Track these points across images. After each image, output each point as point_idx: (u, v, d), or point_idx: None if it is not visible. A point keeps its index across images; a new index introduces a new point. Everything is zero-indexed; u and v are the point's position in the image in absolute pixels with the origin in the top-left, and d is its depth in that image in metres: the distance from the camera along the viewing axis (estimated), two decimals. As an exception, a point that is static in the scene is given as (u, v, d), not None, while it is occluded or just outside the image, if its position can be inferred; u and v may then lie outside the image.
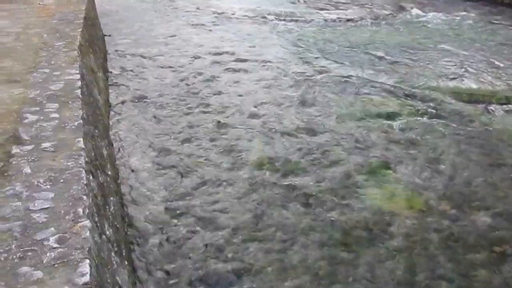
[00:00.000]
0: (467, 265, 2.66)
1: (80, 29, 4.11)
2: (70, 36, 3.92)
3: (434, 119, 4.62)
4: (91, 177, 2.04)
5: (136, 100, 4.86)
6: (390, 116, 4.65)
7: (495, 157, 3.93)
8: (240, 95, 5.04)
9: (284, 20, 8.55)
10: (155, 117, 4.48)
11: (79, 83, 2.85)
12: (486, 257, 2.72)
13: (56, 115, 2.41)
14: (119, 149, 3.84)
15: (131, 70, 5.69)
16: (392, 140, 4.14)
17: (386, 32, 8.07)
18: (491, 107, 4.99)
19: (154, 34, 7.32)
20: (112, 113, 4.52)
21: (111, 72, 5.60)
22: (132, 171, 3.50)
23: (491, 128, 4.47)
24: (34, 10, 4.84)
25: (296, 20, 8.58)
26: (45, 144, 2.12)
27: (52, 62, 3.24)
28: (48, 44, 3.68)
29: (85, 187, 1.81)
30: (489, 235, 2.92)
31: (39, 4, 5.11)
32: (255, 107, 4.75)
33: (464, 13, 9.69)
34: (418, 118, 4.63)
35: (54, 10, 4.90)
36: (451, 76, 5.93)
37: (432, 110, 4.80)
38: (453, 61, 6.52)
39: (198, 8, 9.25)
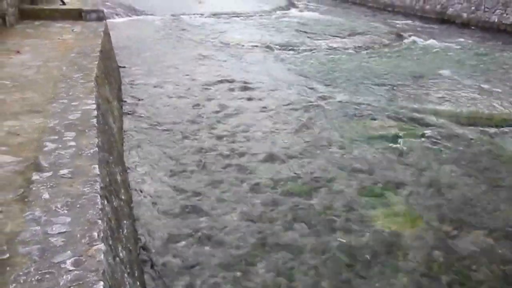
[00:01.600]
0: (471, 284, 2.63)
1: (97, 62, 4.32)
2: (87, 68, 4.12)
3: (434, 142, 4.68)
4: (105, 202, 2.12)
5: (148, 127, 5.01)
6: (392, 139, 4.73)
7: (494, 178, 3.96)
8: (247, 120, 5.17)
9: (287, 50, 8.83)
10: (169, 141, 4.61)
11: (95, 112, 2.98)
12: (489, 276, 2.70)
13: (74, 143, 2.53)
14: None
15: (144, 99, 5.90)
16: (393, 162, 4.18)
17: (385, 60, 8.28)
18: (489, 130, 5.03)
19: (166, 65, 7.59)
20: (125, 138, 4.67)
21: (125, 101, 5.81)
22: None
23: (489, 150, 4.51)
24: (54, 45, 5.11)
25: (301, 50, 8.85)
26: (63, 171, 2.22)
27: (70, 93, 3.41)
28: (66, 76, 3.87)
29: (100, 211, 1.89)
30: (491, 255, 2.91)
31: (59, 39, 5.41)
32: (262, 131, 4.87)
33: (460, 39, 9.91)
34: (419, 141, 4.70)
35: (73, 44, 5.17)
36: (450, 101, 6.04)
37: (432, 133, 4.88)
38: (451, 86, 6.66)
39: (206, 40, 9.66)
